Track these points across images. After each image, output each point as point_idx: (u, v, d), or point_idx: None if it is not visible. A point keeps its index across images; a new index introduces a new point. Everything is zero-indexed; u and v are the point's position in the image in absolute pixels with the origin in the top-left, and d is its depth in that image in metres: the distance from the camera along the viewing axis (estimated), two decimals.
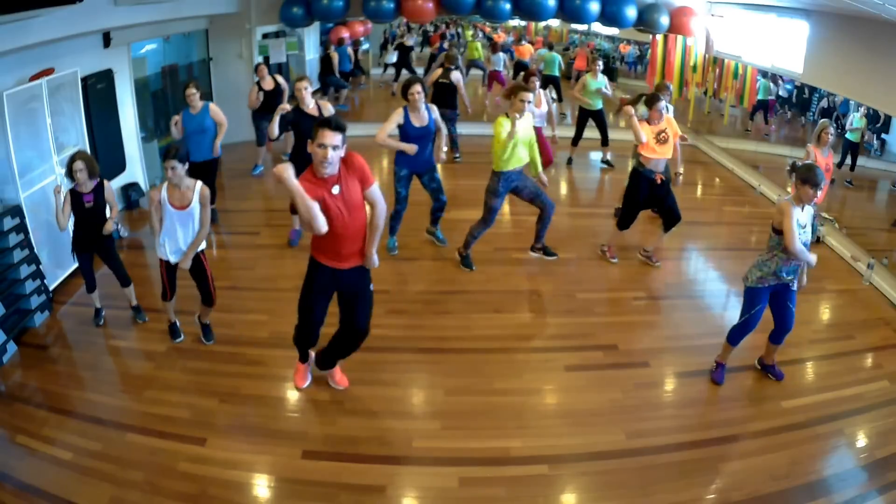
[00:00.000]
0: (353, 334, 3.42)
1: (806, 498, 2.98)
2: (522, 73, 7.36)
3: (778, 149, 8.66)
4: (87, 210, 4.06)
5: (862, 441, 3.40)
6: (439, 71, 7.53)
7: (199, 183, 3.83)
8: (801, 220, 3.37)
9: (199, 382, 3.76)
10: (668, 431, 3.39)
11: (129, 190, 6.47)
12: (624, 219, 5.19)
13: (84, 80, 5.43)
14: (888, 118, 6.91)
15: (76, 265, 5.08)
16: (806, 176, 3.28)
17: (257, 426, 3.41)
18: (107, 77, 5.95)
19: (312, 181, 2.92)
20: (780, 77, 8.42)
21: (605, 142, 7.80)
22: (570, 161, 8.12)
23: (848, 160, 7.37)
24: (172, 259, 3.91)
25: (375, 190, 3.10)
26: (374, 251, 3.23)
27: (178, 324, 4.21)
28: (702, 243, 5.86)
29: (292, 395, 3.73)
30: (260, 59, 8.91)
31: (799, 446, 3.29)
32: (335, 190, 2.96)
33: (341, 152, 2.92)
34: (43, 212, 4.74)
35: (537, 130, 6.21)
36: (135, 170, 6.75)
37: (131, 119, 6.61)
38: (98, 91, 5.77)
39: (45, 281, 4.54)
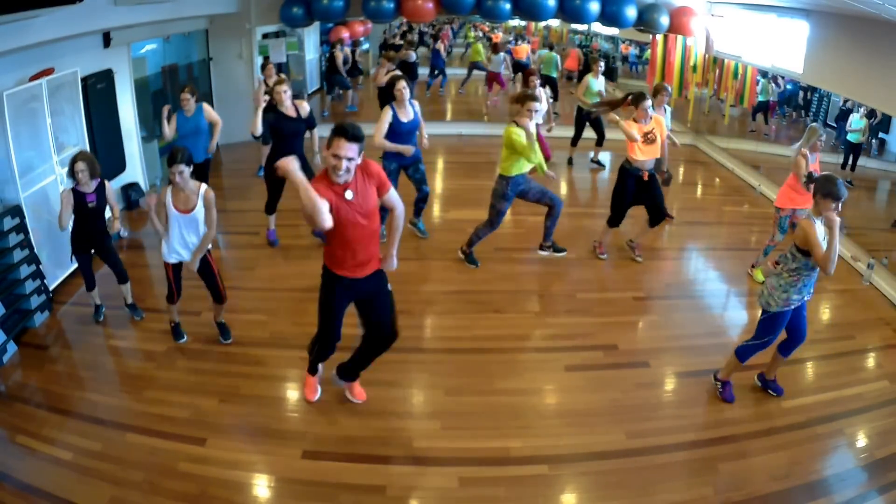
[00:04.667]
0: (382, 340, 3.35)
1: (806, 498, 2.98)
2: (521, 73, 7.33)
3: (778, 149, 8.65)
4: (90, 210, 4.08)
5: (862, 441, 3.40)
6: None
7: (204, 186, 3.81)
8: (819, 234, 3.18)
9: (199, 382, 3.76)
10: (668, 431, 3.39)
11: (129, 190, 6.47)
12: (613, 216, 5.25)
13: (84, 80, 5.43)
14: (885, 117, 6.90)
15: (76, 265, 5.10)
16: (829, 189, 3.11)
17: (257, 426, 3.41)
18: (107, 77, 5.95)
19: (325, 184, 2.84)
20: (777, 78, 8.39)
21: (599, 142, 7.84)
22: (570, 161, 8.14)
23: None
24: (174, 259, 3.90)
25: (393, 194, 3.09)
26: (395, 253, 3.22)
27: (180, 324, 4.22)
28: (702, 243, 5.86)
29: (292, 395, 3.73)
30: (260, 59, 8.93)
31: (799, 446, 3.29)
32: (348, 195, 2.88)
33: (357, 161, 2.84)
34: (43, 212, 4.74)
35: (537, 128, 6.23)
36: (135, 170, 6.76)
37: (131, 119, 6.61)
38: (98, 91, 5.77)
39: (45, 281, 4.54)
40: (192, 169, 3.73)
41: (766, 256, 5.04)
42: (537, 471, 3.12)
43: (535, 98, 4.70)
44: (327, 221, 2.77)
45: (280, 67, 9.92)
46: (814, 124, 5.16)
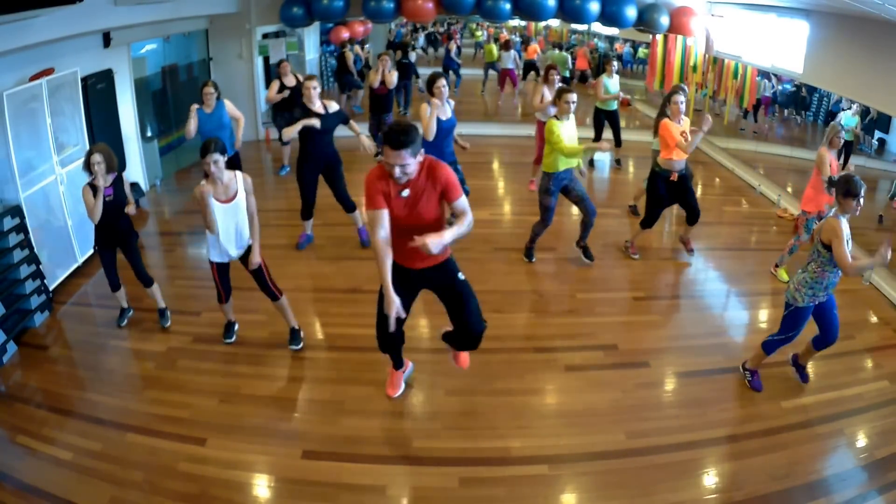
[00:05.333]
0: (467, 337, 3.27)
1: (806, 498, 2.98)
2: (534, 71, 7.08)
3: (778, 148, 8.65)
4: (107, 204, 3.98)
5: (862, 441, 3.40)
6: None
7: (239, 172, 3.73)
8: (845, 232, 3.27)
9: (199, 382, 3.76)
10: (668, 431, 3.39)
11: (130, 190, 6.46)
12: (645, 218, 5.29)
13: (84, 80, 5.43)
14: (883, 116, 6.89)
15: (76, 265, 5.10)
16: (847, 188, 3.21)
17: (257, 426, 3.41)
18: (107, 77, 5.95)
19: (382, 177, 2.81)
20: (769, 75, 8.38)
21: (617, 143, 7.79)
22: (591, 163, 8.16)
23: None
24: (221, 259, 3.81)
25: (462, 201, 2.90)
26: (445, 239, 2.74)
27: (235, 324, 4.20)
28: (702, 243, 5.85)
29: (292, 395, 3.73)
30: (260, 58, 8.93)
31: (799, 446, 3.29)
32: (404, 193, 2.84)
33: (415, 163, 2.75)
34: (43, 212, 4.74)
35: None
36: (135, 170, 6.76)
37: (131, 119, 6.61)
38: (98, 91, 5.77)
39: (45, 281, 4.54)
40: (226, 158, 3.62)
41: (791, 255, 5.07)
42: (537, 471, 3.12)
43: (570, 90, 4.77)
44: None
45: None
46: (834, 122, 5.17)
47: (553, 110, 5.89)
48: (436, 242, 2.72)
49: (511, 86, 11.38)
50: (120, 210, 4.06)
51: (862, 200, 3.24)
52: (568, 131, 4.75)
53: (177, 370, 3.90)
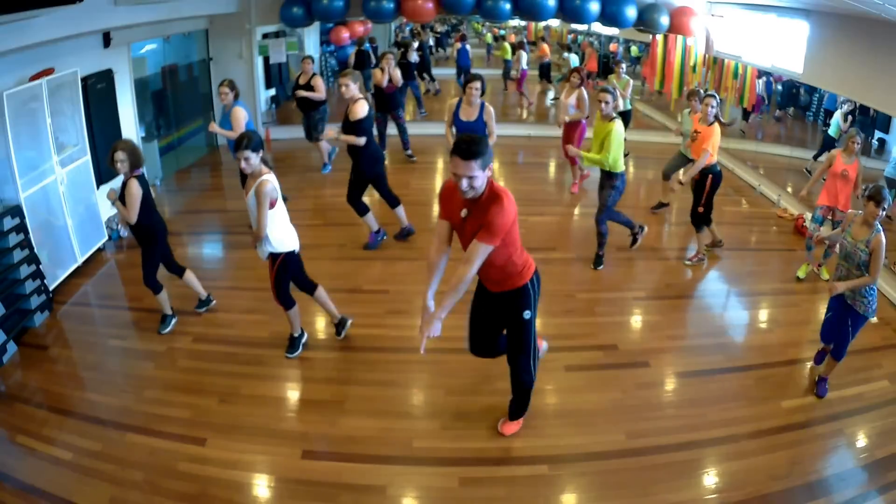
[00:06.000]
0: (512, 382, 3.18)
1: (806, 498, 2.98)
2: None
3: (778, 149, 8.65)
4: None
5: (862, 441, 3.40)
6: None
7: (267, 175, 3.56)
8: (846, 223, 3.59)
9: (199, 382, 3.76)
10: (668, 431, 3.39)
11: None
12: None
13: (84, 80, 5.43)
14: (882, 116, 6.89)
15: (76, 265, 5.11)
16: (870, 193, 3.43)
17: (257, 426, 3.41)
18: (107, 77, 5.94)
19: (452, 189, 2.71)
20: (760, 75, 8.38)
21: None
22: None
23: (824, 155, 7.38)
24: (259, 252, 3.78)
25: (478, 251, 2.63)
26: (441, 316, 2.71)
27: (303, 337, 4.09)
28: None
29: (292, 395, 3.73)
30: (260, 58, 8.93)
31: (799, 446, 3.30)
32: (463, 213, 2.74)
33: (483, 177, 2.58)
34: (43, 212, 4.74)
35: (581, 126, 6.53)
36: None
37: (131, 119, 6.61)
38: (98, 91, 5.77)
39: (45, 281, 4.53)
40: (260, 155, 3.53)
41: (810, 252, 5.10)
42: (537, 471, 3.12)
43: (605, 90, 4.84)
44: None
45: (280, 68, 9.89)
46: (852, 128, 5.22)
47: (573, 110, 6.33)
48: (435, 323, 2.69)
49: (517, 86, 11.46)
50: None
51: (883, 213, 3.35)
52: (594, 132, 4.94)
53: (177, 370, 3.90)
